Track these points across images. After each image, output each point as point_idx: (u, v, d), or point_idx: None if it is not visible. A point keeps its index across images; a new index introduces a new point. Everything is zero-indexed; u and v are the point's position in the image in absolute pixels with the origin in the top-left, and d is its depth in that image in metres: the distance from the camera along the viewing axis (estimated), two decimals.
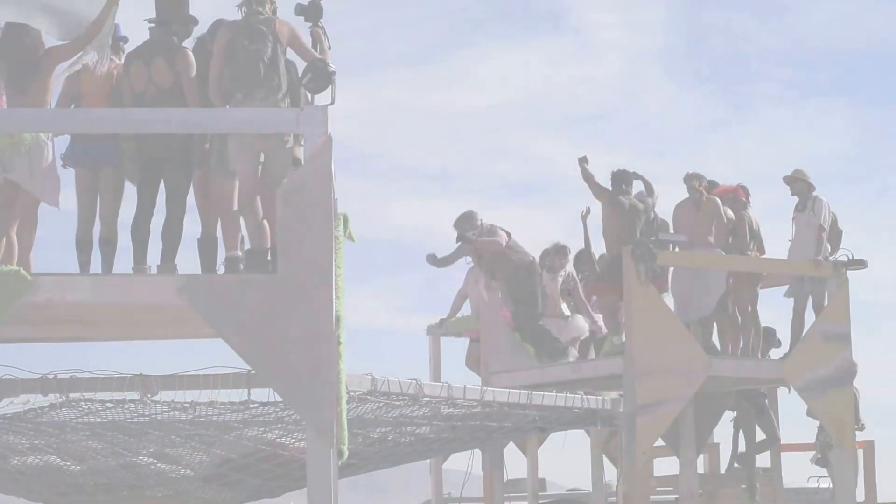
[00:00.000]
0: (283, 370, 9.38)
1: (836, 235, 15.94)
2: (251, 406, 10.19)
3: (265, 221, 10.16)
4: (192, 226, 10.50)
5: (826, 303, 15.71)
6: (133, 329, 10.88)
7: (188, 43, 10.52)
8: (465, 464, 14.67)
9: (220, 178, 10.36)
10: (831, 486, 16.98)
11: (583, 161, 15.06)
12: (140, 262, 10.28)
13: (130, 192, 10.48)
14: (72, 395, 10.05)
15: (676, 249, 15.31)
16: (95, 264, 10.27)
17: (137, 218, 10.36)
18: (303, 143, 9.96)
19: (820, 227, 15.63)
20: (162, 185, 10.39)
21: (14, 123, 9.89)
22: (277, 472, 11.25)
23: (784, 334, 16.22)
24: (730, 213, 15.66)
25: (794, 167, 16.21)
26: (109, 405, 10.13)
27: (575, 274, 16.50)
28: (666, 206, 15.69)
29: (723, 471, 17.75)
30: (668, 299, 15.34)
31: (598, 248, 16.22)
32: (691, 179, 15.48)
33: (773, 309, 17.13)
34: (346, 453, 9.64)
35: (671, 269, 15.46)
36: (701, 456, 17.00)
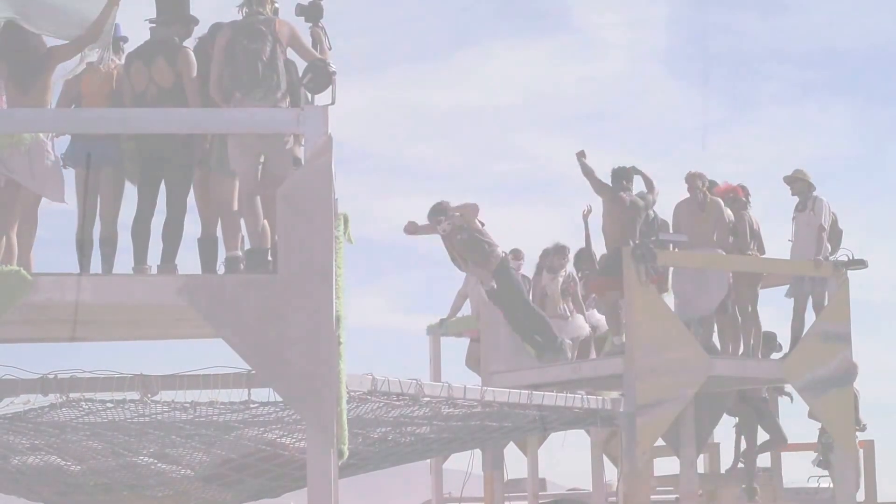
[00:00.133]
0: (284, 370, 9.38)
1: (836, 235, 15.95)
2: (251, 406, 10.19)
3: (265, 221, 10.16)
4: (192, 226, 10.51)
5: (826, 303, 15.71)
6: (133, 329, 10.88)
7: (189, 43, 10.52)
8: (465, 464, 14.68)
9: (220, 178, 10.36)
10: (832, 485, 16.98)
11: (581, 155, 15.02)
12: (140, 262, 10.28)
13: (131, 192, 10.49)
14: (72, 395, 10.05)
15: (676, 250, 15.30)
16: (96, 264, 10.27)
17: (138, 218, 10.36)
18: (303, 142, 9.96)
19: (820, 227, 15.63)
20: (162, 185, 10.39)
21: (14, 123, 9.89)
22: (277, 472, 11.24)
23: (784, 334, 16.24)
24: (729, 213, 15.67)
25: (795, 167, 16.23)
26: (110, 405, 10.13)
27: (575, 274, 16.50)
28: (666, 205, 15.70)
29: (723, 471, 17.77)
30: (669, 299, 15.34)
31: (599, 248, 16.22)
32: (694, 179, 15.46)
33: (774, 309, 17.14)
34: (347, 453, 9.64)
35: (671, 268, 15.46)
36: (701, 456, 17.00)
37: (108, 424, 10.39)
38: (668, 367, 14.53)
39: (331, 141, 9.51)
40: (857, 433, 16.49)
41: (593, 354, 16.33)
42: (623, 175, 15.11)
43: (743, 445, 17.09)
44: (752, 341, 15.80)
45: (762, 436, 17.10)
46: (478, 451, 14.93)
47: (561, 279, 16.17)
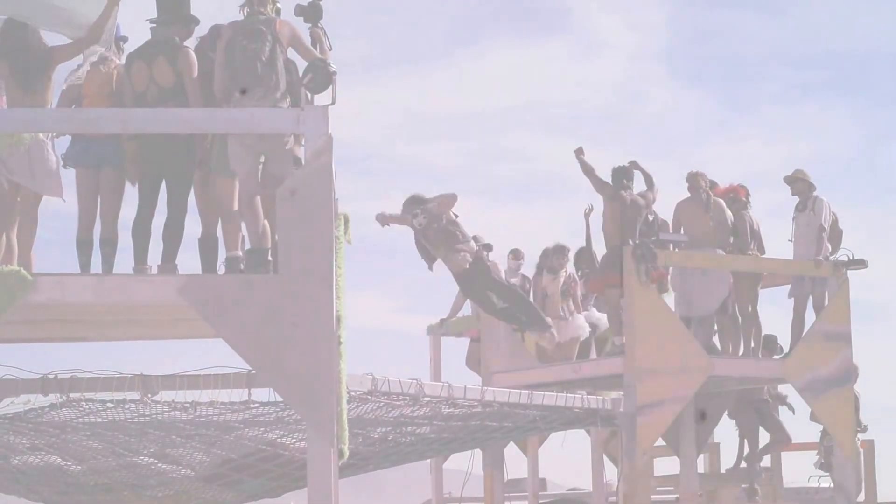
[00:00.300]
0: (284, 370, 9.37)
1: (836, 235, 15.95)
2: (252, 406, 10.20)
3: (266, 221, 10.16)
4: (192, 226, 10.51)
5: (826, 303, 15.72)
6: (133, 329, 10.88)
7: (189, 43, 10.52)
8: (465, 464, 14.67)
9: (220, 178, 10.36)
10: (832, 485, 16.98)
11: (579, 153, 14.97)
12: (140, 262, 10.28)
13: (131, 192, 10.49)
14: (72, 395, 10.06)
15: (677, 250, 15.30)
16: (96, 264, 10.27)
17: (138, 218, 10.36)
18: (303, 142, 9.96)
19: (820, 227, 15.64)
20: (163, 185, 10.39)
21: (14, 123, 9.89)
22: (278, 472, 11.25)
23: (784, 334, 16.24)
24: (729, 213, 15.67)
25: (795, 167, 16.24)
26: (110, 405, 10.13)
27: (576, 273, 16.50)
28: (666, 205, 15.70)
29: (723, 471, 17.77)
30: (669, 299, 15.35)
31: (599, 248, 16.21)
32: (696, 178, 15.45)
33: (774, 309, 17.15)
34: (347, 453, 9.64)
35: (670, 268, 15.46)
36: (701, 456, 17.00)
37: (108, 424, 10.39)
38: (668, 367, 14.53)
39: (331, 141, 9.51)
40: (859, 434, 16.50)
41: (593, 354, 16.34)
42: (623, 174, 15.08)
43: (745, 448, 17.08)
44: (752, 341, 15.81)
45: (764, 436, 17.09)
46: (478, 451, 14.93)
47: (562, 279, 16.16)
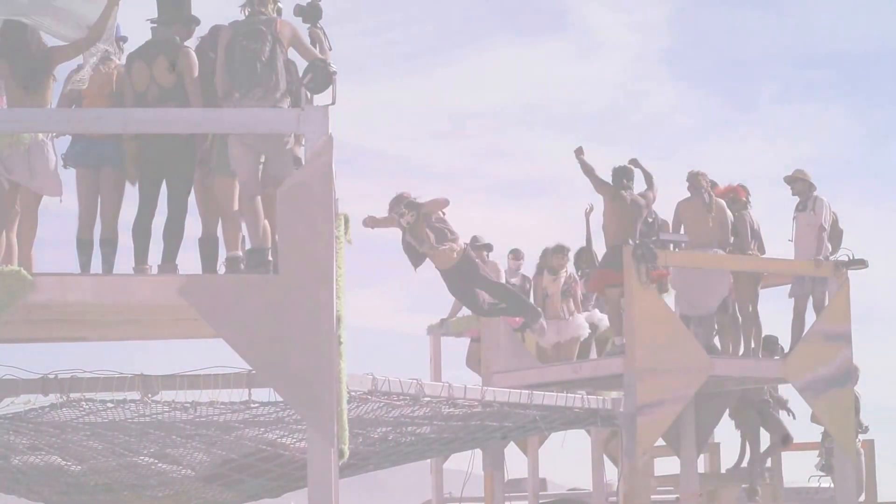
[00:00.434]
0: (284, 370, 9.37)
1: (836, 235, 15.95)
2: (252, 406, 10.20)
3: (266, 221, 10.16)
4: (192, 226, 10.51)
5: (826, 303, 15.71)
6: (133, 329, 10.88)
7: (190, 43, 10.52)
8: (465, 464, 14.67)
9: (220, 178, 10.36)
10: (832, 485, 16.98)
11: (579, 152, 14.96)
12: (141, 262, 10.28)
13: (131, 192, 10.49)
14: (72, 395, 10.06)
15: (677, 250, 15.29)
16: (96, 264, 10.27)
17: (138, 218, 10.36)
18: (303, 142, 9.96)
19: (821, 227, 15.63)
20: (163, 185, 10.39)
21: (14, 123, 9.89)
22: (278, 472, 11.25)
23: (784, 334, 16.24)
24: (729, 213, 15.67)
25: (795, 167, 16.23)
26: (110, 405, 10.13)
27: (576, 273, 16.50)
28: (667, 205, 15.69)
29: (723, 471, 17.77)
30: (669, 299, 15.34)
31: (599, 248, 16.21)
32: (697, 178, 15.43)
33: (774, 309, 17.14)
34: (347, 453, 9.64)
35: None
36: (701, 456, 17.00)
37: (108, 424, 10.40)
38: (668, 367, 14.53)
39: (331, 141, 9.51)
40: (860, 435, 16.49)
41: (593, 354, 16.34)
42: (624, 174, 15.07)
43: (747, 449, 17.07)
44: (752, 341, 15.80)
45: (764, 437, 17.08)
46: (478, 451, 14.93)
47: (562, 279, 16.16)
